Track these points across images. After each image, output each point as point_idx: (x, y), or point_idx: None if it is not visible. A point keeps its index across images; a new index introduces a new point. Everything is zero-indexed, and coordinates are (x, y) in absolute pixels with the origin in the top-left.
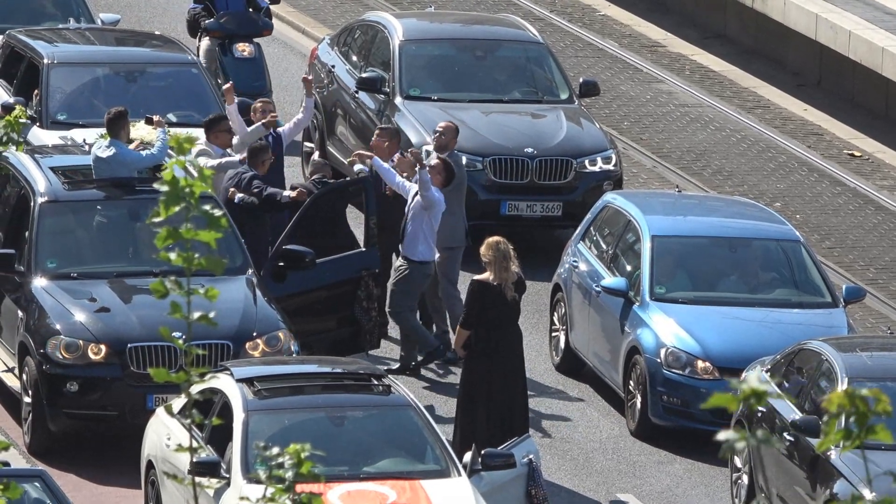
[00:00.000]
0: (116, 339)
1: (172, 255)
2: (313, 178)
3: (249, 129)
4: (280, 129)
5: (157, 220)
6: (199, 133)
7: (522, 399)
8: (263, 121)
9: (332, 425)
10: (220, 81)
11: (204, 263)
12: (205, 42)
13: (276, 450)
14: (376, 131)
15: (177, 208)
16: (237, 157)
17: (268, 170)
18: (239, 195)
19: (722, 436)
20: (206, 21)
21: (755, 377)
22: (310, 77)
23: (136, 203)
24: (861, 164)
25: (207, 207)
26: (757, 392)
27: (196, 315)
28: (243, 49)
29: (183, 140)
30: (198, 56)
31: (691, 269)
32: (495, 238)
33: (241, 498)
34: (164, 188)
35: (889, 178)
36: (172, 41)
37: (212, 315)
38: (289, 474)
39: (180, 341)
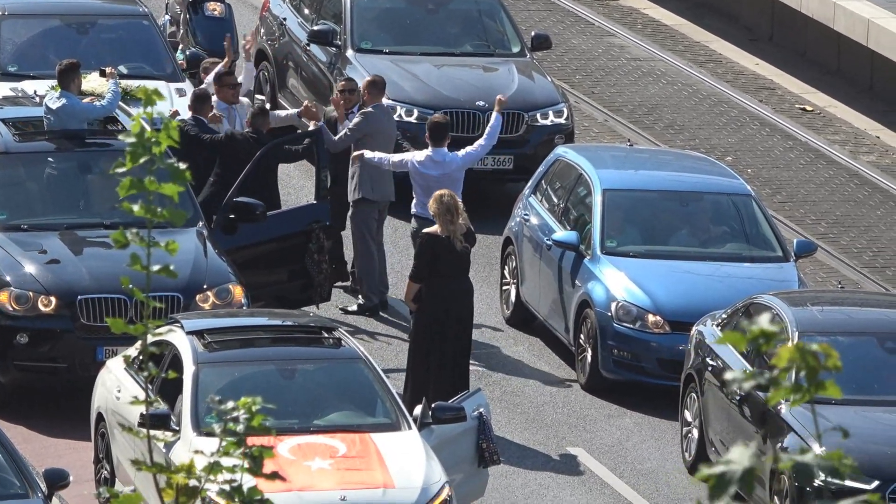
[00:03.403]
0: (67, 290)
1: (135, 207)
2: (246, 131)
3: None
4: None
5: (120, 170)
6: (151, 84)
7: (468, 352)
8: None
9: (282, 378)
10: (188, 39)
11: (167, 215)
12: None
13: (230, 403)
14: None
15: (142, 160)
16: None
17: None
18: (182, 118)
19: (729, 375)
20: None
21: (766, 318)
22: (248, 46)
23: (87, 155)
24: (812, 119)
25: (171, 161)
26: (766, 333)
27: (156, 267)
28: (214, 8)
29: (151, 92)
30: (167, 13)
31: (642, 222)
32: (441, 191)
33: (195, 452)
34: (131, 139)
35: (840, 132)
36: None
37: (172, 268)
38: (240, 427)
39: (139, 292)
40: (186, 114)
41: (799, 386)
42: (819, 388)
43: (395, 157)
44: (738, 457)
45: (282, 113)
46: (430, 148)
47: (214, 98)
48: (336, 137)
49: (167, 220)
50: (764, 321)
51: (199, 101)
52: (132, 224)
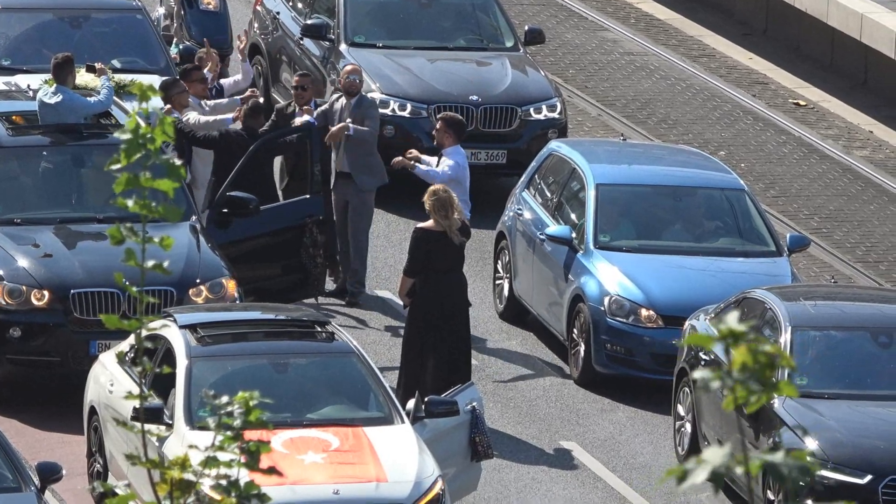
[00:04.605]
0: (59, 284)
1: (129, 202)
2: (240, 129)
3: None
4: (222, 81)
5: (116, 167)
6: (145, 78)
7: (466, 347)
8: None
9: (276, 372)
10: (182, 33)
11: (162, 211)
12: None
13: (225, 398)
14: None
15: (137, 156)
16: (229, 116)
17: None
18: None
19: (698, 374)
20: None
21: (734, 317)
22: (241, 45)
23: (81, 149)
24: (806, 114)
25: (166, 157)
26: (735, 332)
27: (150, 263)
28: (208, 2)
29: (147, 88)
30: (161, 6)
31: (636, 217)
32: (436, 186)
33: (190, 446)
34: (126, 136)
35: (834, 127)
36: None
37: (165, 264)
38: (236, 422)
39: (133, 288)
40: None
41: (750, 388)
42: (772, 390)
43: (438, 169)
44: (712, 456)
45: (207, 118)
46: (453, 146)
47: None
48: (367, 130)
49: (162, 217)
50: (732, 320)
51: (168, 89)
52: (126, 219)
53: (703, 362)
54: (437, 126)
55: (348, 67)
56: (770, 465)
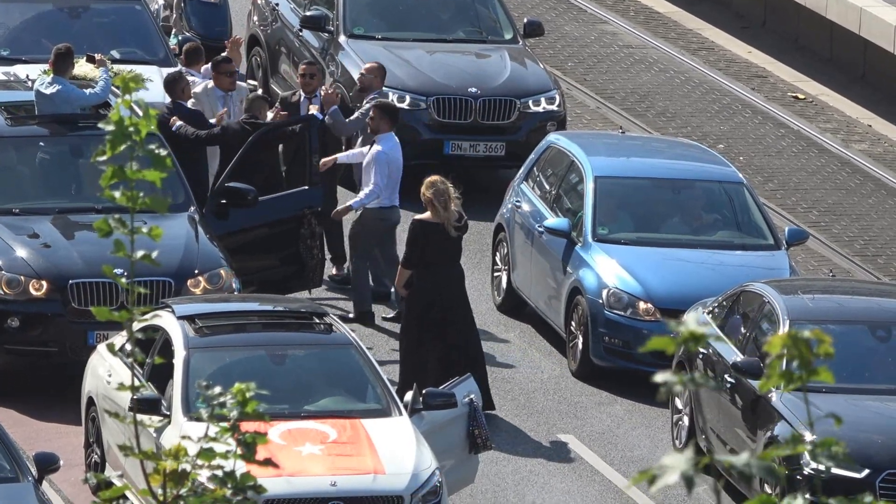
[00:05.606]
0: (58, 275)
1: (117, 194)
2: (242, 118)
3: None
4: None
5: (101, 158)
6: (143, 69)
7: (471, 338)
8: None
9: (273, 363)
10: (181, 23)
11: (149, 202)
12: None
13: (217, 389)
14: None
15: (122, 147)
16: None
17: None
18: (178, 123)
19: (660, 377)
20: None
21: (694, 319)
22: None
23: (79, 140)
24: (805, 107)
25: (152, 147)
26: (695, 335)
27: (139, 254)
28: None
29: (129, 79)
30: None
31: (634, 210)
32: (434, 177)
33: (183, 437)
34: (110, 128)
35: (832, 120)
36: None
37: (154, 255)
38: (233, 413)
39: (123, 279)
40: (165, 98)
41: (790, 373)
42: (812, 375)
43: (357, 151)
44: (675, 462)
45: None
46: (387, 133)
47: (210, 84)
48: (347, 121)
49: (148, 208)
50: (692, 321)
51: (173, 85)
52: (122, 209)
53: (700, 356)
54: (372, 113)
55: (366, 65)
56: (735, 467)
